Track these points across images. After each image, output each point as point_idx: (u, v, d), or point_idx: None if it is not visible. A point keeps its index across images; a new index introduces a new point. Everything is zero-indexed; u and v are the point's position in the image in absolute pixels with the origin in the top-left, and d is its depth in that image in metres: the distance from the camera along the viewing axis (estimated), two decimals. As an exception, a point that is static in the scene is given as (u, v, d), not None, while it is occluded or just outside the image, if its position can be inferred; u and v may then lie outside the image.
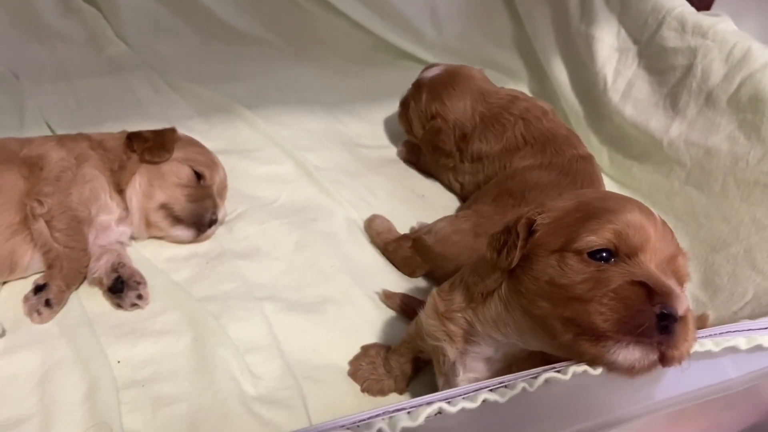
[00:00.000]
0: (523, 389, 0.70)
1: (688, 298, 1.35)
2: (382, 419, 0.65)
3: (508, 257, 0.80)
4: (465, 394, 0.69)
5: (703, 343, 0.77)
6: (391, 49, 2.10)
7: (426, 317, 0.96)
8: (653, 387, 0.74)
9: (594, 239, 0.73)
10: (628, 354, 0.69)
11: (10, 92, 1.66)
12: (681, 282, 0.75)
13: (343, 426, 0.64)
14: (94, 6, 1.99)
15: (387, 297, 1.27)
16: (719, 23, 1.47)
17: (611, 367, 0.71)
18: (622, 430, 0.88)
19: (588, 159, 1.44)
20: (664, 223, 0.77)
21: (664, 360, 0.70)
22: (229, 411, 1.04)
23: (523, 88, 2.03)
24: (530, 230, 0.80)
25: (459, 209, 1.58)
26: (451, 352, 0.91)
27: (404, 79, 2.01)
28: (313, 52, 2.08)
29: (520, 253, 0.79)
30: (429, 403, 0.67)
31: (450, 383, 0.92)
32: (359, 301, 1.27)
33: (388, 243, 1.38)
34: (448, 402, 0.67)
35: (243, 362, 1.12)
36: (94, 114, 1.64)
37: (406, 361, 1.11)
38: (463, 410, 0.67)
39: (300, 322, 1.22)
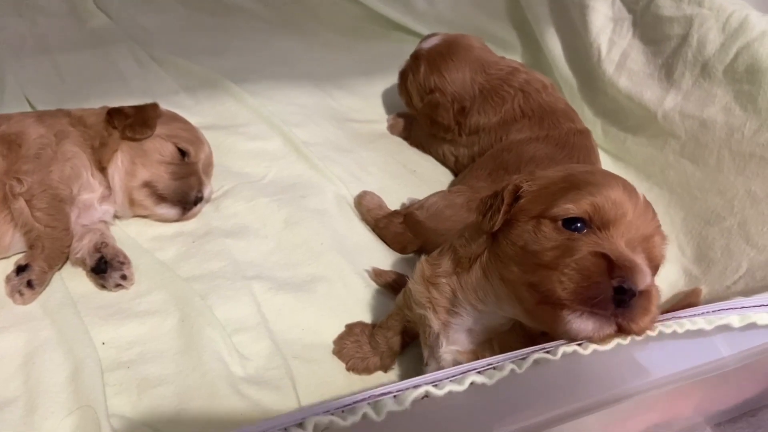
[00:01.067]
0: (512, 371, 0.69)
1: (672, 274, 1.35)
2: (368, 404, 0.63)
3: (492, 220, 0.80)
4: (452, 376, 0.67)
5: (696, 321, 0.76)
6: (381, 20, 2.05)
7: (413, 283, 0.95)
8: (645, 366, 0.73)
9: (570, 207, 0.73)
10: (582, 324, 0.70)
11: (-12, 67, 1.62)
12: (654, 262, 0.75)
13: (327, 411, 0.62)
14: (74, -23, 1.93)
15: (377, 275, 1.25)
16: (716, -10, 1.43)
17: (567, 336, 0.71)
18: (614, 410, 0.88)
19: (585, 133, 1.42)
20: (647, 203, 0.77)
21: (623, 331, 0.70)
22: (216, 392, 1.03)
23: (517, 59, 1.97)
24: (516, 196, 0.80)
25: (452, 184, 1.55)
26: (435, 322, 0.91)
27: (395, 51, 1.97)
28: (302, 24, 2.03)
29: (503, 217, 0.79)
30: (415, 387, 0.65)
31: (434, 356, 0.92)
32: (349, 279, 1.25)
33: (378, 219, 1.36)
34: (435, 385, 0.66)
35: (231, 343, 1.10)
36: (77, 89, 1.60)
37: (393, 335, 1.09)
38: (450, 393, 0.66)
39: (289, 301, 1.20)
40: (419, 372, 1.02)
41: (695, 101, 1.44)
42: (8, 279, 1.15)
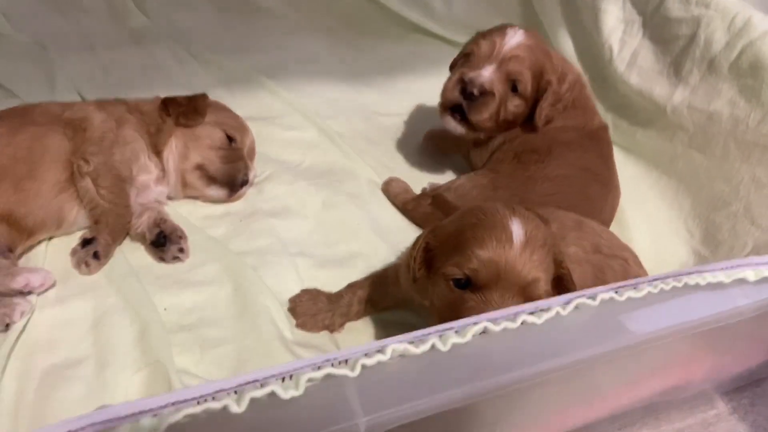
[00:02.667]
0: (557, 313, 0.78)
1: (683, 254, 1.45)
2: (438, 336, 0.73)
3: (411, 273, 0.96)
4: (506, 316, 0.77)
5: (716, 275, 0.86)
6: (401, 22, 2.16)
7: (402, 275, 1.07)
8: (675, 312, 0.83)
9: (455, 270, 0.88)
10: None
11: (38, 62, 1.71)
12: (533, 299, 0.87)
13: (402, 341, 0.72)
14: (115, -22, 2.03)
15: None
16: (722, -6, 1.55)
17: None
18: (630, 370, 0.98)
19: (606, 128, 1.52)
20: (525, 247, 0.87)
21: None
22: (271, 351, 1.12)
23: (530, 59, 2.10)
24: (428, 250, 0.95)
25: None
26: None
27: (416, 51, 2.08)
28: (327, 25, 2.14)
29: (419, 271, 0.95)
30: (476, 323, 0.75)
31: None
32: (386, 256, 1.34)
33: (406, 203, 1.45)
34: (493, 322, 0.75)
35: (282, 311, 1.19)
36: (122, 83, 1.70)
37: (361, 297, 1.18)
38: (504, 330, 0.76)
39: (331, 276, 1.29)
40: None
41: (702, 96, 1.54)
42: (74, 252, 1.24)
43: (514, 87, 1.39)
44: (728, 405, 1.24)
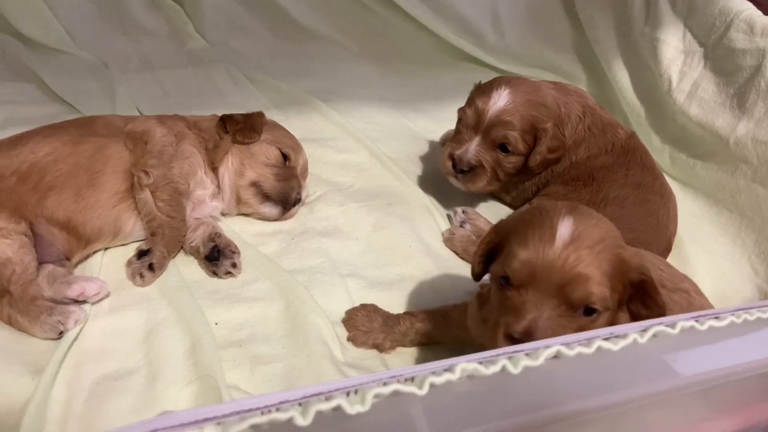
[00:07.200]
0: (635, 340, 0.75)
1: (747, 292, 1.39)
2: (507, 357, 0.70)
3: (473, 271, 0.99)
4: (581, 341, 0.73)
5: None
6: (452, 51, 2.17)
7: (470, 317, 1.05)
8: (751, 345, 0.78)
9: (499, 269, 0.89)
10: None
11: (100, 79, 1.77)
12: (577, 303, 0.85)
13: (472, 360, 0.69)
14: (177, 2, 2.10)
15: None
16: (788, 26, 1.51)
17: None
18: (696, 408, 0.93)
19: (635, 135, 1.49)
20: (568, 247, 0.84)
21: None
22: (322, 371, 1.09)
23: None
24: (489, 251, 0.95)
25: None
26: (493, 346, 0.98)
27: (465, 80, 2.04)
28: (379, 52, 2.16)
29: (479, 273, 0.97)
30: (547, 347, 0.71)
31: None
32: (437, 280, 1.32)
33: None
34: (567, 346, 0.72)
35: (332, 330, 1.17)
36: (180, 102, 1.73)
37: (419, 330, 1.15)
38: (579, 355, 0.72)
39: (381, 298, 1.26)
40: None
41: (768, 128, 1.50)
42: (129, 263, 1.24)
43: (504, 148, 1.39)
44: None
